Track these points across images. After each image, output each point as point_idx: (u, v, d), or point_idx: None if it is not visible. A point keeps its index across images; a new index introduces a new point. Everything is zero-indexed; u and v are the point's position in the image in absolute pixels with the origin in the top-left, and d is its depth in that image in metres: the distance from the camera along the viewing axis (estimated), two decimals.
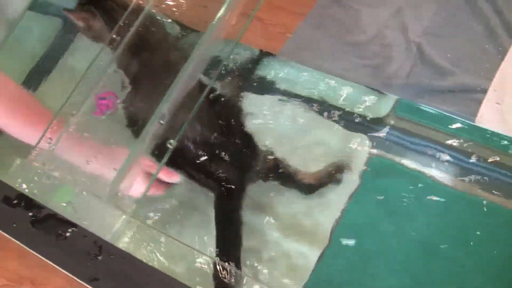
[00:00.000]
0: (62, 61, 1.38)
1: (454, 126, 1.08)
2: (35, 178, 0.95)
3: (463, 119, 1.08)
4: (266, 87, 1.23)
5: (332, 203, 1.06)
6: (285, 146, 1.14)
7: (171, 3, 1.18)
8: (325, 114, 1.16)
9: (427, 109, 1.12)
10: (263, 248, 1.04)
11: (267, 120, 1.17)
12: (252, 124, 1.14)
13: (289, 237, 1.04)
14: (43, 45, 1.41)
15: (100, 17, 1.16)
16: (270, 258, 1.03)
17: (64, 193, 0.98)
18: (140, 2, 1.07)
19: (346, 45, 1.29)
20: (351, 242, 1.01)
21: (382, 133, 1.11)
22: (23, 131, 0.95)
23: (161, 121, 0.88)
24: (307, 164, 1.11)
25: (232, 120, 1.12)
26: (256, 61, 1.28)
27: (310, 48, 1.31)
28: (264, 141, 1.12)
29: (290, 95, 1.21)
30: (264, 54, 1.29)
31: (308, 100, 1.19)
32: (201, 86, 1.04)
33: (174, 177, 1.01)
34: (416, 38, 1.24)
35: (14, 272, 1.05)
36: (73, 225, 0.87)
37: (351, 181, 1.07)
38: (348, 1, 1.36)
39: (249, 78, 1.25)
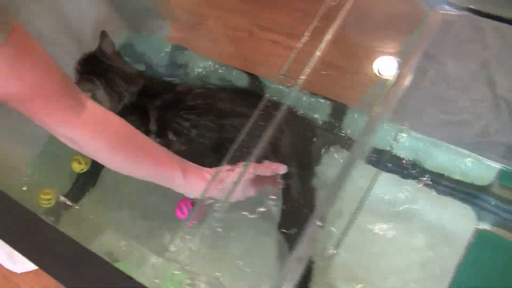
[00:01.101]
0: None
1: None
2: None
3: None
4: None
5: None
6: None
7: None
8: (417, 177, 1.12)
9: None
10: None
11: None
12: None
13: None
14: None
15: (103, 88, 1.22)
16: None
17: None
18: None
19: (432, 98, 1.27)
20: None
21: (487, 204, 1.04)
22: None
23: (320, 223, 0.84)
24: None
25: None
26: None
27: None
28: None
29: None
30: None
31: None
32: None
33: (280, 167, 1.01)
34: (504, 94, 1.21)
35: None
36: None
37: (454, 254, 1.01)
38: (434, 52, 1.35)
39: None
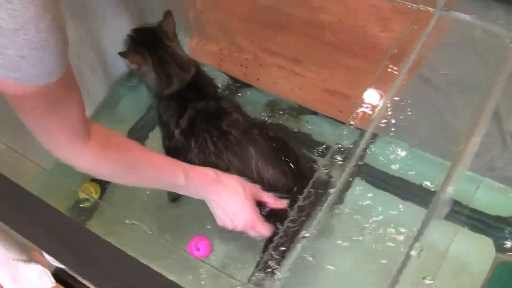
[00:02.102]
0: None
1: None
2: None
3: None
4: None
5: None
6: None
7: None
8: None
9: None
10: None
11: None
12: None
13: None
14: (138, 113, 1.47)
15: (151, 64, 1.18)
16: None
17: None
18: None
19: (440, 129, 1.30)
20: None
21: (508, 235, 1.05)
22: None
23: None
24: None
25: None
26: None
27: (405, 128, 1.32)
28: None
29: None
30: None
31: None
32: None
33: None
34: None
35: None
36: None
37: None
38: (441, 83, 1.38)
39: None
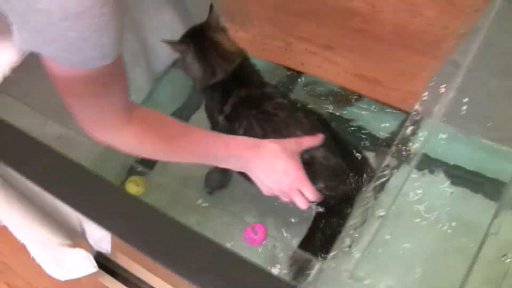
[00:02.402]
0: (195, 116, 1.47)
1: None
2: None
3: None
4: None
5: None
6: None
7: None
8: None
9: None
10: None
11: None
12: None
13: None
14: (178, 101, 1.50)
15: (194, 55, 1.19)
16: None
17: None
18: None
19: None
20: None
21: None
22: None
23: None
24: None
25: None
26: None
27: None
28: None
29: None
30: None
31: None
32: None
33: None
34: None
35: None
36: None
37: None
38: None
39: None
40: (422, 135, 0.98)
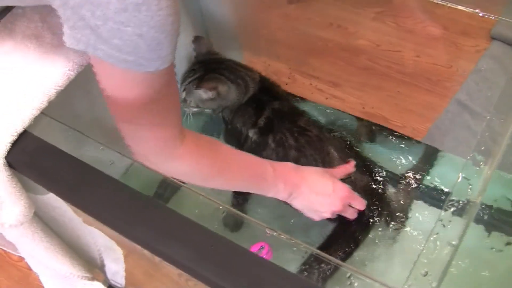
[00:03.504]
0: None
1: None
2: None
3: None
4: None
5: None
6: None
7: None
8: None
9: None
10: None
11: None
12: None
13: None
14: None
15: (225, 80, 1.18)
16: None
17: None
18: None
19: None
20: None
21: None
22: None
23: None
24: None
25: None
26: None
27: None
28: None
29: None
30: None
31: None
32: None
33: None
34: None
35: None
36: None
37: None
38: (477, 108, 1.43)
39: None
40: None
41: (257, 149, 1.15)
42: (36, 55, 0.85)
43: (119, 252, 1.07)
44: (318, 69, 1.62)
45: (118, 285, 1.18)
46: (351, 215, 1.02)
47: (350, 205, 1.01)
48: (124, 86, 0.65)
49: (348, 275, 0.75)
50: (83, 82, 0.85)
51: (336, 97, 1.58)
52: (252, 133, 1.17)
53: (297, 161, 1.06)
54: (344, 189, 0.99)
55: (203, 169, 0.84)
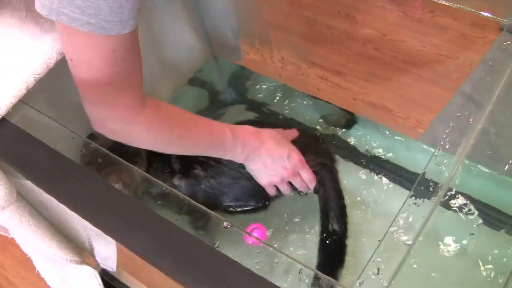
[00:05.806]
0: None
1: None
2: None
3: None
4: None
5: None
6: None
7: None
8: None
9: None
10: None
11: None
12: None
13: None
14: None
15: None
16: None
17: None
18: None
19: None
20: None
21: None
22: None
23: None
24: None
25: None
26: None
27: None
28: None
29: None
30: None
31: None
32: None
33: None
34: None
35: None
36: None
37: None
38: (482, 100, 1.40)
39: None
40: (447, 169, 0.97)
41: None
42: (17, 44, 0.87)
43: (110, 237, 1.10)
44: (322, 57, 1.61)
45: (110, 270, 1.21)
46: (300, 186, 1.05)
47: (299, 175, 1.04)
48: (87, 49, 0.68)
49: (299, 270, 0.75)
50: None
51: (339, 86, 1.57)
52: (177, 179, 1.12)
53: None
54: (297, 156, 1.02)
55: (162, 134, 0.85)
